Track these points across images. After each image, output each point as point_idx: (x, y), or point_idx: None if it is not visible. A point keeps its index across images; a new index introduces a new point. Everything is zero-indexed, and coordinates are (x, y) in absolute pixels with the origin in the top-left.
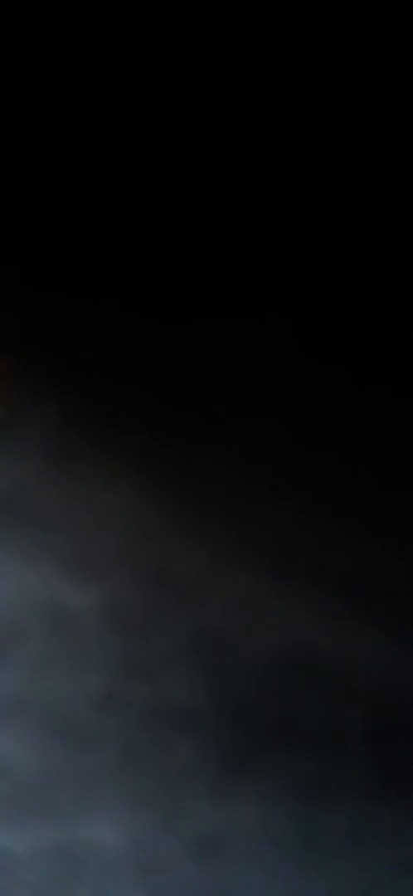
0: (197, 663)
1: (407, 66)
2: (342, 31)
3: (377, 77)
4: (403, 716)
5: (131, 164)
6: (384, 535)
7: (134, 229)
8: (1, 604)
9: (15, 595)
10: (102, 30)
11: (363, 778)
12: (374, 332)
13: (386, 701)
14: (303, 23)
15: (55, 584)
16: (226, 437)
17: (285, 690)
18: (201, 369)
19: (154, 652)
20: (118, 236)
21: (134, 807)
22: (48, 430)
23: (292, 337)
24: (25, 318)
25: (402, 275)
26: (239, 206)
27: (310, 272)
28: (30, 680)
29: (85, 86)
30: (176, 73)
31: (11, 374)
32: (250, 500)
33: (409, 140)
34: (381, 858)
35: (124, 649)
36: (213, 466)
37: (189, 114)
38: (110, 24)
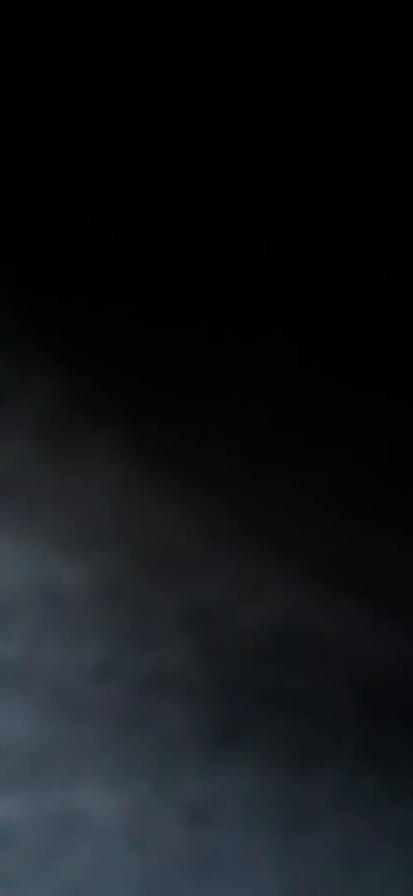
0: (190, 637)
1: (407, 67)
2: (342, 33)
3: (377, 77)
4: (393, 691)
5: (132, 165)
6: (379, 513)
7: (131, 227)
8: None
9: (9, 571)
10: (105, 32)
11: (352, 750)
12: (370, 327)
13: (376, 676)
14: (303, 25)
15: (49, 561)
16: (221, 415)
17: (278, 664)
18: (198, 352)
19: (147, 626)
20: (118, 234)
21: (127, 776)
22: (41, 407)
23: (289, 328)
24: (22, 301)
25: (401, 274)
26: (239, 207)
27: (309, 272)
28: (24, 652)
29: (87, 89)
30: (176, 76)
31: None
32: (245, 478)
33: (410, 141)
34: (368, 828)
35: (117, 623)
36: (207, 443)
37: (189, 116)
38: (113, 24)
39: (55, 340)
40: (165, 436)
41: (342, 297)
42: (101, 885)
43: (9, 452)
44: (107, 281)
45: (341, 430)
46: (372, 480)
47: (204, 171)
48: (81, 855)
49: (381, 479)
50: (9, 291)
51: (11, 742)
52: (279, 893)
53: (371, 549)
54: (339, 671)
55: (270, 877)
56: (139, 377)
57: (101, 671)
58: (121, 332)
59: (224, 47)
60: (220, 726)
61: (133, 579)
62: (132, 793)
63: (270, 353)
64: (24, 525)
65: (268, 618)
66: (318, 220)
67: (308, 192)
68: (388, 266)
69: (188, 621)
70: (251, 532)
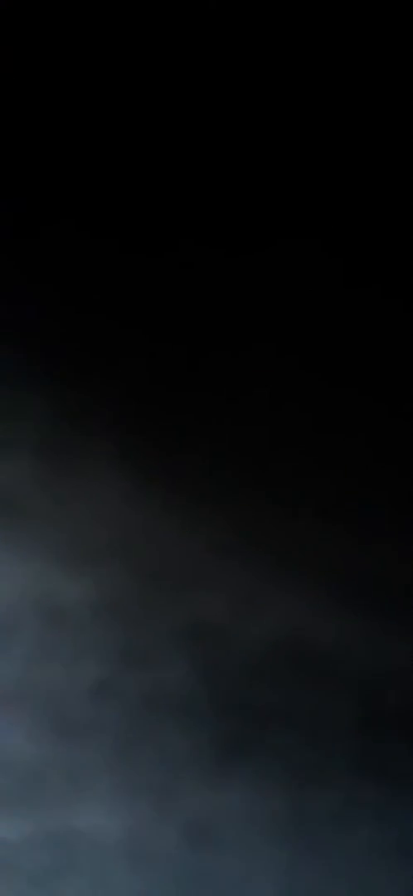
0: (191, 653)
1: (407, 72)
2: (344, 39)
3: (376, 84)
4: (394, 704)
5: (131, 181)
6: (379, 525)
7: (130, 242)
8: None
9: (8, 589)
10: (108, 40)
11: (354, 765)
12: (370, 341)
13: (377, 689)
14: (305, 31)
15: (49, 577)
16: (220, 431)
17: (279, 679)
18: (197, 368)
19: (148, 642)
20: (121, 249)
21: (128, 795)
22: (41, 422)
23: (285, 342)
24: (22, 314)
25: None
26: (239, 225)
27: (305, 286)
28: (24, 671)
29: (88, 95)
30: (176, 89)
31: None
32: (245, 492)
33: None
34: (370, 842)
35: (118, 639)
36: (206, 459)
37: (190, 129)
38: (115, 34)
39: (54, 357)
40: (164, 452)
41: (343, 313)
42: None
43: (8, 469)
44: (109, 296)
45: (340, 445)
46: (372, 496)
47: (203, 190)
48: (82, 875)
49: (380, 494)
50: (9, 305)
51: (10, 761)
52: None
53: (371, 564)
54: (337, 687)
55: (273, 893)
56: (138, 393)
57: (100, 690)
58: (120, 348)
59: (223, 63)
60: (221, 743)
61: (133, 595)
62: (133, 812)
63: (270, 366)
64: (24, 542)
65: (269, 633)
66: (311, 235)
67: (303, 206)
68: (386, 279)
69: (188, 637)
70: (250, 548)
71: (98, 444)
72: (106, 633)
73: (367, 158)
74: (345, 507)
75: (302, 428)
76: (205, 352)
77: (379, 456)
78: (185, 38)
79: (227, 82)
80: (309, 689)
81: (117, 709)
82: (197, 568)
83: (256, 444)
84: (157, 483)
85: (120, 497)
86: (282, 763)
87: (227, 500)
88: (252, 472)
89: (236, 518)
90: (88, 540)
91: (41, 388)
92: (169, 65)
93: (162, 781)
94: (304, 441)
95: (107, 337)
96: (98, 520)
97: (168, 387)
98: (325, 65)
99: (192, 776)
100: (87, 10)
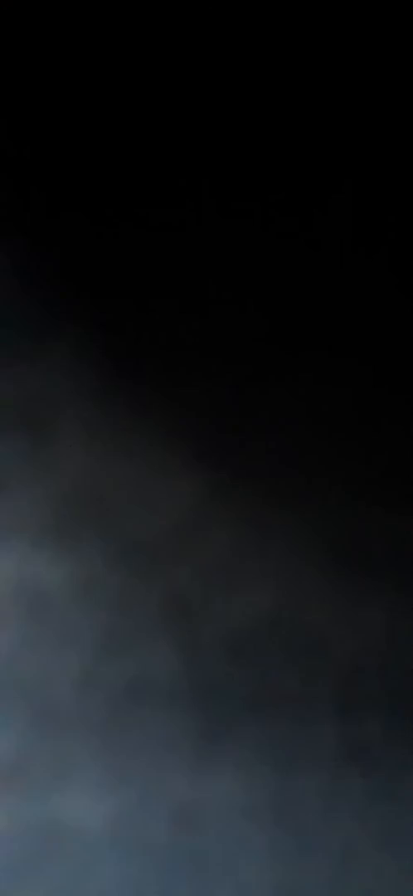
0: (172, 634)
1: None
2: (357, 27)
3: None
4: (379, 688)
5: (131, 158)
6: (365, 500)
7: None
8: None
9: None
10: (108, 40)
11: (338, 750)
12: (368, 312)
13: (362, 672)
14: (326, 18)
15: (26, 560)
16: (203, 395)
17: (261, 660)
18: (183, 329)
19: (128, 625)
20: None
21: (112, 783)
22: (15, 398)
23: (281, 310)
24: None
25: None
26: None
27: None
28: (5, 659)
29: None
30: (178, 77)
31: None
32: (224, 463)
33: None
34: (354, 829)
35: (97, 624)
36: (188, 426)
37: (203, 104)
38: (115, 33)
39: (32, 329)
40: (135, 427)
41: (348, 290)
42: (87, 893)
43: None
44: (103, 271)
45: (334, 415)
46: (359, 468)
47: (220, 161)
48: (67, 864)
49: (369, 466)
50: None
51: None
52: (269, 894)
53: (356, 540)
54: (322, 666)
55: (259, 878)
56: (108, 356)
57: (82, 675)
58: (100, 317)
59: (230, 45)
60: (204, 728)
61: (111, 575)
62: (118, 800)
63: (265, 323)
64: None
65: (253, 615)
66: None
67: (324, 181)
68: (391, 258)
69: (169, 617)
70: (235, 523)
71: (70, 421)
72: (84, 618)
73: (365, 122)
74: (331, 481)
75: (292, 395)
76: (195, 314)
77: (375, 429)
78: (186, 47)
79: (229, 58)
80: (291, 671)
81: (99, 695)
82: (176, 544)
83: (233, 410)
84: (135, 452)
85: (93, 467)
86: (268, 746)
87: (213, 473)
88: (231, 441)
89: (220, 492)
90: (64, 521)
91: (12, 362)
92: (166, 60)
93: (147, 768)
94: (296, 410)
95: (86, 304)
96: (72, 500)
97: (159, 351)
98: (323, 47)
99: (177, 762)
100: None
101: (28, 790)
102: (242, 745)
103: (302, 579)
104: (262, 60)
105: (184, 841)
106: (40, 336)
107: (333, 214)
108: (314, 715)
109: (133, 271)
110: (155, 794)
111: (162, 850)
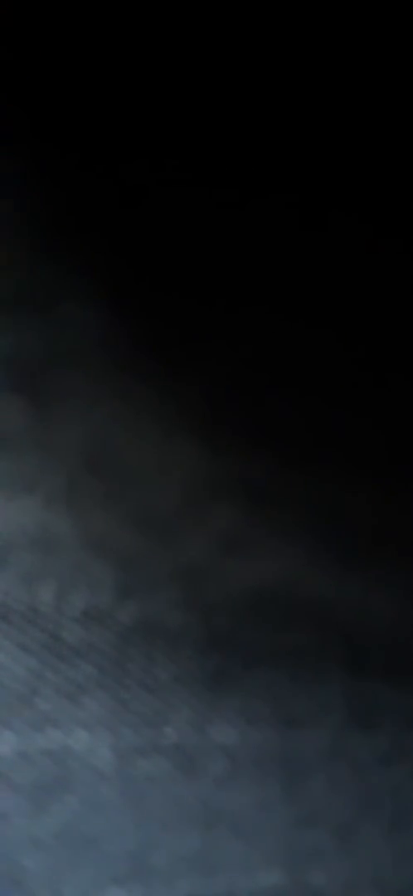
0: (180, 591)
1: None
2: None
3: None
4: (380, 651)
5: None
6: (364, 470)
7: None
8: None
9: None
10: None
11: (340, 708)
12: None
13: (364, 635)
14: (335, 13)
15: (40, 516)
16: (208, 361)
17: (265, 620)
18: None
19: (136, 579)
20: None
21: (117, 719)
22: (21, 361)
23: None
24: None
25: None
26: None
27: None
28: (14, 592)
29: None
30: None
31: None
32: (228, 434)
33: None
34: (354, 788)
35: (107, 575)
36: (194, 392)
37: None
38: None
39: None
40: (149, 382)
41: (369, 281)
42: (94, 821)
43: None
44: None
45: (338, 385)
46: (359, 440)
47: (229, 155)
48: (76, 793)
49: (369, 439)
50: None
51: (0, 676)
52: (269, 841)
53: (357, 508)
54: (326, 628)
55: (259, 822)
56: (123, 321)
57: (88, 617)
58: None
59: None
60: (208, 678)
61: (121, 537)
62: (123, 736)
63: (265, 317)
64: (14, 485)
65: (255, 576)
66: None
67: (337, 178)
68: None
69: (177, 576)
70: (237, 493)
71: (88, 376)
72: (95, 568)
73: (364, 107)
74: (334, 452)
75: (295, 365)
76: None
77: (378, 399)
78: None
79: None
80: (295, 631)
81: (106, 635)
82: (184, 511)
83: (238, 384)
84: (141, 416)
85: (101, 431)
86: (269, 700)
87: (222, 443)
88: (236, 414)
89: (227, 458)
90: (73, 475)
91: (20, 319)
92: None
93: (151, 708)
94: (292, 383)
95: (91, 264)
96: (80, 453)
97: (163, 319)
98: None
99: (180, 705)
100: None
101: (36, 719)
102: (245, 696)
103: (312, 544)
104: (263, 60)
105: (187, 781)
106: (50, 296)
107: (338, 209)
108: (317, 675)
109: (140, 232)
110: (159, 735)
111: (165, 787)
